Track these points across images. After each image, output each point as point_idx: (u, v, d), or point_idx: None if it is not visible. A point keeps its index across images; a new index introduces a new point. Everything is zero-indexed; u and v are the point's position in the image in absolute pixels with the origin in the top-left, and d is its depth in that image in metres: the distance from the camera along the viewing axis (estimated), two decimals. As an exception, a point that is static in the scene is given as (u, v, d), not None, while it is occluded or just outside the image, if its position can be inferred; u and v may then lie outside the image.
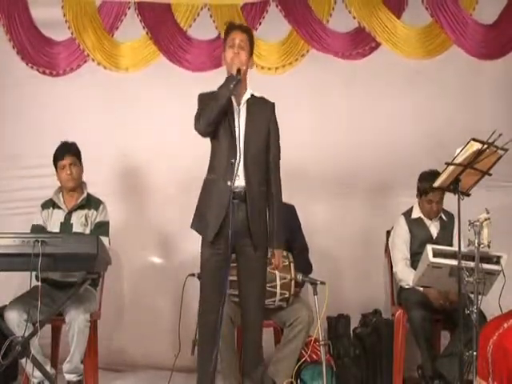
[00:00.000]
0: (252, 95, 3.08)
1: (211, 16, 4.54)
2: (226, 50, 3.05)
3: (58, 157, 3.72)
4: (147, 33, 4.53)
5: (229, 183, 2.94)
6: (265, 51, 4.49)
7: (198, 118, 2.99)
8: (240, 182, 2.97)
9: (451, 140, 4.14)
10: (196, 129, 2.99)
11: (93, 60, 4.54)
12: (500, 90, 4.46)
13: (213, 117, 2.94)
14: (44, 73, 4.54)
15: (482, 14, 4.43)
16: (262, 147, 3.05)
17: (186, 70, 4.54)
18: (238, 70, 2.94)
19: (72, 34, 4.52)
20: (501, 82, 4.47)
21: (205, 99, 3.03)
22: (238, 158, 2.94)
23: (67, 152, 3.71)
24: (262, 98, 3.11)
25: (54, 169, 3.73)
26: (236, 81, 2.91)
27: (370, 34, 4.46)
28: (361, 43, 4.49)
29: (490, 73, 4.46)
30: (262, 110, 3.08)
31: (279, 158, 3.13)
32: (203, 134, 3.00)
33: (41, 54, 4.52)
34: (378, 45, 4.48)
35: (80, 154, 3.77)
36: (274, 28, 4.50)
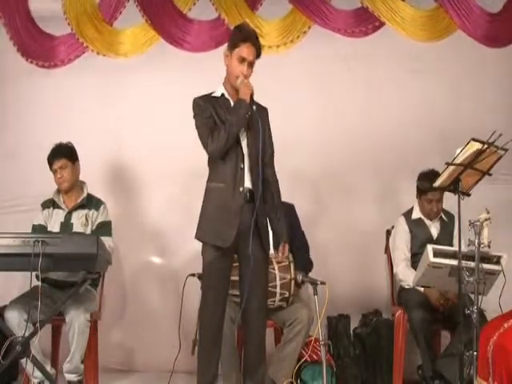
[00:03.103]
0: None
1: (210, 0, 4.44)
2: (234, 61, 3.00)
3: (49, 161, 3.73)
4: (146, 20, 4.43)
5: (241, 189, 2.96)
6: (266, 29, 4.40)
7: (206, 138, 2.96)
8: (246, 183, 2.99)
9: (453, 129, 4.18)
10: (209, 151, 2.98)
11: (92, 50, 4.47)
12: (504, 79, 4.43)
13: (229, 145, 2.95)
14: (43, 66, 4.50)
15: (487, 0, 4.34)
16: (263, 150, 3.04)
17: (187, 51, 4.44)
18: (251, 97, 2.96)
19: (72, 29, 4.46)
20: (505, 70, 4.43)
21: (203, 105, 3.01)
22: (245, 162, 2.97)
23: (57, 156, 3.70)
24: (257, 104, 3.10)
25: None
26: (251, 110, 2.95)
27: (374, 12, 4.34)
28: (364, 21, 4.38)
29: (494, 61, 4.40)
30: (260, 114, 3.07)
31: (273, 158, 3.17)
32: (217, 157, 2.99)
33: (39, 47, 4.48)
34: (381, 24, 4.36)
35: (72, 154, 3.75)
36: (275, 6, 4.40)
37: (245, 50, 2.99)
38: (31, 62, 4.50)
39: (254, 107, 2.99)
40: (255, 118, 2.99)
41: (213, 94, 3.08)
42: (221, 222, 2.97)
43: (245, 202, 2.98)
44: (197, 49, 4.43)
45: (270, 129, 3.16)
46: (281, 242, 3.12)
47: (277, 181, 3.16)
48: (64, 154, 3.72)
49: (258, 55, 3.04)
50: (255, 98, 3.03)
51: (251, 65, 3.02)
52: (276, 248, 3.17)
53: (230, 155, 2.98)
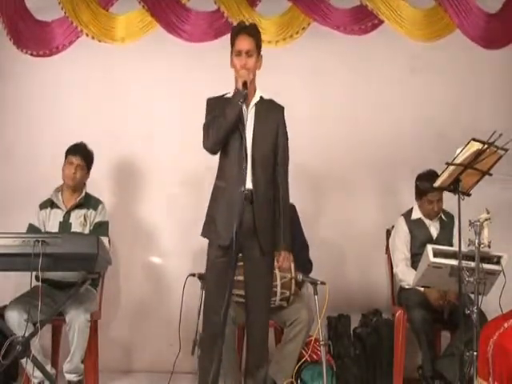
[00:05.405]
0: (261, 98, 3.07)
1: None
2: (234, 57, 3.02)
3: (70, 151, 3.74)
4: (143, 6, 4.37)
5: (242, 189, 2.89)
6: (264, 24, 4.34)
7: (206, 132, 2.96)
8: (247, 184, 2.96)
9: (453, 129, 4.20)
10: (204, 147, 2.98)
11: (87, 35, 4.39)
12: (505, 79, 4.43)
13: (221, 137, 2.93)
14: (38, 55, 4.43)
15: (486, 1, 4.32)
16: (270, 150, 3.04)
17: (184, 41, 4.37)
18: (244, 84, 2.91)
19: (65, 13, 4.37)
20: (505, 70, 4.43)
21: (214, 106, 3.01)
22: (248, 162, 2.93)
23: (81, 153, 3.73)
24: (271, 101, 3.10)
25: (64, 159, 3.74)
26: (242, 97, 2.89)
27: (373, 11, 4.31)
28: (363, 19, 4.35)
29: (494, 60, 4.39)
30: (270, 112, 3.06)
31: (288, 161, 3.12)
32: (211, 153, 2.99)
33: (33, 35, 4.41)
34: (380, 22, 4.34)
35: (92, 162, 3.78)
36: (274, 3, 4.37)
37: (238, 43, 3.00)
38: (26, 53, 4.43)
39: (246, 92, 2.90)
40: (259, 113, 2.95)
41: (226, 96, 3.07)
42: (221, 221, 2.97)
43: (247, 202, 2.95)
44: (195, 39, 4.38)
45: (284, 128, 3.11)
46: (277, 249, 3.07)
47: (284, 184, 3.09)
48: (87, 157, 3.75)
49: (257, 44, 3.02)
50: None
51: (249, 54, 2.99)
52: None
53: (233, 154, 2.96)
